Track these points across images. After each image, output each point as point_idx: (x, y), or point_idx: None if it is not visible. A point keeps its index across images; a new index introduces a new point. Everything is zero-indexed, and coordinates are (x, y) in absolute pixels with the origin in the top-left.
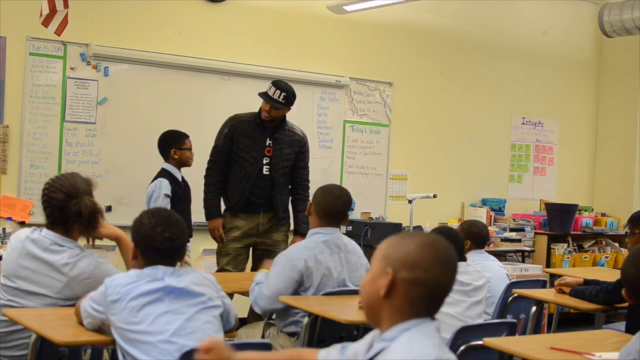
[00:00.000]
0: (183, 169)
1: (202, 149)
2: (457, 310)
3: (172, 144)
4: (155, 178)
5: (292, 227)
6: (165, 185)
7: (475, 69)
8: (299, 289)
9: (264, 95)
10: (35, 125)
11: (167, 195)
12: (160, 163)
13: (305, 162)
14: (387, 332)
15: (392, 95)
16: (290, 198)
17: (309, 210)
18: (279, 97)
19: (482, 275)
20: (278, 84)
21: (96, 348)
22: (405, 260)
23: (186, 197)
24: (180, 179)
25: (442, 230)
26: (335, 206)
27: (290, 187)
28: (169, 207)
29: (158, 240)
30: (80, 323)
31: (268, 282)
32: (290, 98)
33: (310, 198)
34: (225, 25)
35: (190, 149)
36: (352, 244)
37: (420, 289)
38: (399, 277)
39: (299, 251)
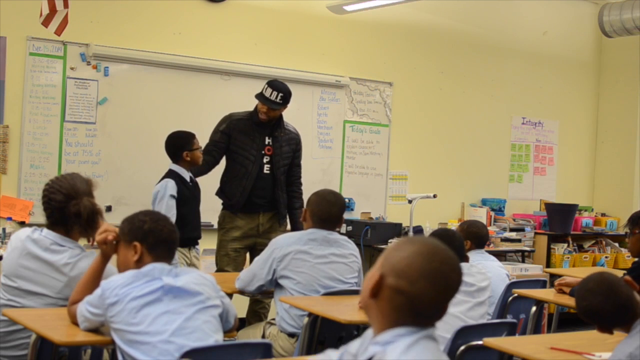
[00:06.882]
0: None
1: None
2: (459, 310)
3: (184, 147)
4: (163, 179)
5: (288, 226)
6: (171, 186)
7: (475, 69)
8: (276, 276)
9: (260, 96)
10: (35, 125)
11: (172, 196)
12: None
13: (299, 159)
14: (380, 335)
15: (392, 95)
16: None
17: (304, 217)
18: (276, 97)
19: (486, 277)
20: (273, 84)
21: (96, 348)
22: (395, 266)
23: (195, 197)
24: (188, 180)
25: (440, 233)
26: (330, 213)
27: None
28: (174, 208)
29: (165, 232)
30: (76, 324)
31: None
32: (287, 97)
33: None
34: (225, 25)
35: (200, 148)
36: (344, 239)
37: (403, 299)
38: (385, 282)
39: (285, 239)
